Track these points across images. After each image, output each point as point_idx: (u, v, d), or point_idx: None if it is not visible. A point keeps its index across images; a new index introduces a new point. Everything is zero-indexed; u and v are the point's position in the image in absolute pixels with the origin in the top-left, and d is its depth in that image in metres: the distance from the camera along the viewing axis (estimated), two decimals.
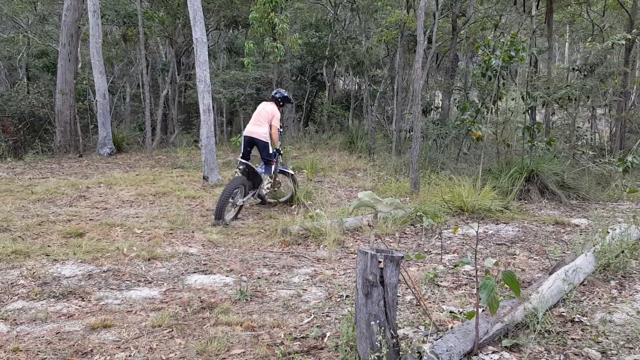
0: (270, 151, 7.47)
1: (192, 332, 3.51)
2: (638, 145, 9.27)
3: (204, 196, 8.49)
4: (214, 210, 6.85)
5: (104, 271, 4.81)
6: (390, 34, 14.56)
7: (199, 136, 10.68)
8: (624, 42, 8.80)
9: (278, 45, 10.91)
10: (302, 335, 3.44)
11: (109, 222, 6.57)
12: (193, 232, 6.32)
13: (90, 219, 6.82)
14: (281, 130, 7.75)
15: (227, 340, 3.35)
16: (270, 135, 7.46)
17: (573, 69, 9.77)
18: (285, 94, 7.73)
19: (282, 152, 7.93)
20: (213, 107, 16.23)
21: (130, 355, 3.20)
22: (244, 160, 7.38)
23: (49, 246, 5.51)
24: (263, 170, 7.58)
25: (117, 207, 7.68)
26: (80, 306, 4.01)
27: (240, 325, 3.58)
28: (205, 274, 4.81)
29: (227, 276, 4.74)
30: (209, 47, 17.13)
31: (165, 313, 3.77)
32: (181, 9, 14.87)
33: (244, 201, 7.26)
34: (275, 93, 7.73)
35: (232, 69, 15.85)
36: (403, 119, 13.81)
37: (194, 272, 4.84)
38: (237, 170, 7.35)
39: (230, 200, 6.89)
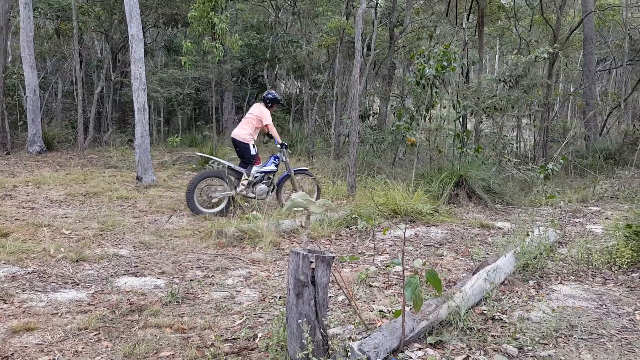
0: (253, 152, 7.44)
1: (120, 335, 3.44)
2: (558, 154, 9.88)
3: (137, 197, 8.29)
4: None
5: (28, 273, 4.62)
6: (330, 40, 14.76)
7: (133, 135, 10.42)
8: (546, 55, 9.36)
9: (217, 45, 10.80)
10: (233, 337, 3.44)
11: (36, 222, 6.32)
12: (124, 233, 6.17)
13: (16, 219, 6.53)
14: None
15: (156, 342, 3.31)
16: (269, 133, 7.66)
17: (500, 80, 10.29)
18: (275, 95, 7.73)
19: (283, 149, 7.71)
20: (149, 106, 15.89)
21: (53, 359, 3.10)
22: (216, 158, 7.64)
23: None
24: (244, 170, 7.54)
25: (45, 207, 7.38)
26: (2, 309, 3.83)
27: (170, 328, 3.54)
28: (136, 276, 4.71)
29: (158, 278, 4.66)
30: (146, 45, 16.72)
31: (92, 315, 3.67)
32: (118, 5, 14.46)
33: (223, 195, 7.30)
34: (267, 94, 7.74)
35: (171, 68, 15.56)
36: (342, 123, 14.03)
37: (124, 274, 4.73)
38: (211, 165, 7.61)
39: (206, 194, 7.26)
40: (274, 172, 7.72)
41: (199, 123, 17.97)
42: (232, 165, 7.49)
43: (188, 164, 12.14)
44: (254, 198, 7.49)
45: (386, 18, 15.08)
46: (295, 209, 5.60)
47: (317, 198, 7.74)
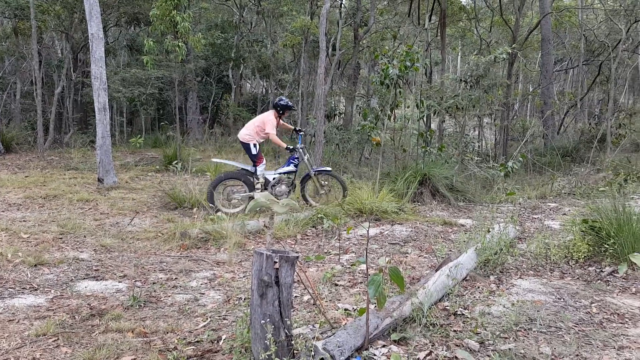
0: (254, 152, 7.46)
1: (80, 340, 3.36)
2: (518, 152, 10.13)
3: (98, 199, 8.11)
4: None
5: None
6: (295, 39, 14.77)
7: (95, 136, 10.21)
8: (505, 56, 9.59)
9: (180, 44, 10.65)
10: (196, 340, 3.40)
11: None
12: (85, 236, 6.03)
13: None
14: (302, 132, 7.91)
15: (117, 347, 3.25)
16: (296, 129, 7.93)
17: (461, 80, 10.49)
18: (287, 102, 7.66)
19: (297, 151, 7.66)
20: (112, 106, 15.56)
21: None
22: (232, 162, 7.95)
23: None
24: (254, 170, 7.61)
25: (3, 211, 7.16)
26: None
27: (132, 332, 3.48)
28: (97, 280, 4.61)
29: (120, 282, 4.57)
30: (108, 44, 16.40)
31: (51, 321, 3.58)
32: (78, 3, 14.11)
33: (242, 197, 7.38)
34: (279, 100, 7.67)
35: (133, 68, 15.26)
36: (308, 123, 14.04)
37: (85, 278, 4.63)
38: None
39: (228, 194, 7.43)
40: (293, 172, 7.73)
41: (162, 123, 17.70)
42: (244, 166, 7.64)
43: (151, 165, 11.94)
44: None
45: (351, 18, 15.16)
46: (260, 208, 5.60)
47: (344, 197, 7.71)
